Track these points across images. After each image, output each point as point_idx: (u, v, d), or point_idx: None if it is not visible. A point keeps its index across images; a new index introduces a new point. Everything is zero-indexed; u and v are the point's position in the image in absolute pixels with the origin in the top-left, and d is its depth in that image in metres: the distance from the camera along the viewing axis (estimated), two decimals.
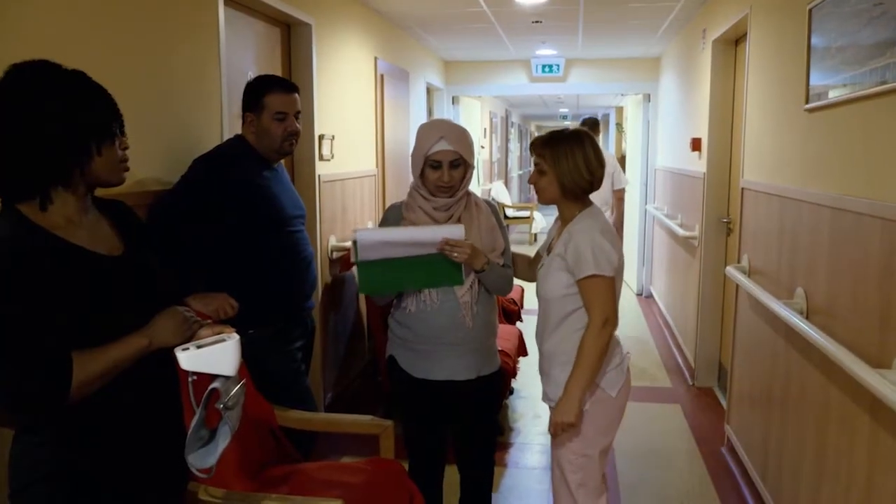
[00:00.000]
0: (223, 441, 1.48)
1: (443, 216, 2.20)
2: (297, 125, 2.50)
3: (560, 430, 2.08)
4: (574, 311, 2.11)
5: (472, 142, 2.21)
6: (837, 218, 2.22)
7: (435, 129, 2.16)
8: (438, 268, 2.10)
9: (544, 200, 2.19)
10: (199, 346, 1.40)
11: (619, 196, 6.30)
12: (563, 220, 2.22)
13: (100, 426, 1.38)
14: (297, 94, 2.53)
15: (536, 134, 24.31)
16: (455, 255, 2.05)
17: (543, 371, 2.23)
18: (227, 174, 2.38)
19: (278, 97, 2.46)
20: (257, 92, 2.49)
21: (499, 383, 2.44)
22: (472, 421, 2.42)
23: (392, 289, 2.22)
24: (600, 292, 2.05)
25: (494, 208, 2.35)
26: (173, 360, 1.40)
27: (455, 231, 2.08)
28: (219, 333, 1.46)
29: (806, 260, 2.52)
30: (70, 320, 1.31)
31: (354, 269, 2.17)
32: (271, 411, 2.41)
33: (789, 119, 2.76)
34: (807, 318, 2.45)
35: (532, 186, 2.25)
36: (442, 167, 2.14)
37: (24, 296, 1.26)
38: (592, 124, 6.08)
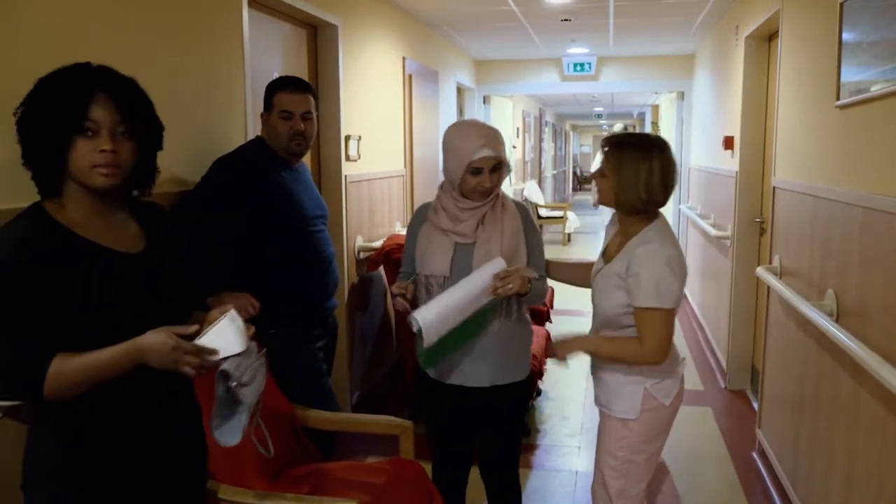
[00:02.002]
0: (244, 417, 1.50)
1: (469, 217, 2.13)
2: (303, 125, 2.50)
3: (555, 350, 2.05)
4: (630, 326, 2.00)
5: (504, 143, 2.17)
6: (869, 217, 2.16)
7: (475, 135, 2.07)
8: (485, 310, 2.06)
9: (605, 203, 2.04)
10: (198, 340, 1.40)
11: None
12: (625, 233, 2.05)
13: (106, 424, 1.40)
14: (308, 95, 2.53)
15: (572, 134, 23.87)
16: (509, 286, 1.96)
17: (596, 374, 2.16)
18: (245, 174, 2.41)
19: (285, 96, 2.48)
20: (270, 91, 2.52)
21: (521, 394, 2.31)
22: (490, 430, 2.34)
23: (451, 349, 2.13)
24: (658, 325, 1.93)
25: (526, 211, 2.23)
26: None
27: (497, 265, 2.00)
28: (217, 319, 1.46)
29: (837, 261, 2.45)
30: (75, 314, 1.34)
31: (414, 330, 1.95)
32: (293, 410, 2.43)
33: (820, 116, 2.69)
34: (837, 320, 2.38)
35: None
36: (483, 172, 2.07)
37: (29, 288, 1.30)
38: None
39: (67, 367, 1.31)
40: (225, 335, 1.42)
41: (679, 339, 5.71)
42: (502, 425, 2.32)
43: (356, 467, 2.34)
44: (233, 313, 1.45)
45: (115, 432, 1.41)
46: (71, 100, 1.34)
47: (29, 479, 1.41)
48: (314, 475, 2.25)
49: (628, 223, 2.04)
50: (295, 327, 2.51)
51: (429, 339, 1.93)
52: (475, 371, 2.17)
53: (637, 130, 13.60)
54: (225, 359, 1.43)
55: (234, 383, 1.44)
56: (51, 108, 1.34)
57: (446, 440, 2.35)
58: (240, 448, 2.13)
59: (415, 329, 1.91)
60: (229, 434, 1.50)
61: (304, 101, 2.51)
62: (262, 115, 2.56)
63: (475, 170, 2.06)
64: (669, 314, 1.98)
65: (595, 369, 2.17)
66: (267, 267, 2.45)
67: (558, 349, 2.04)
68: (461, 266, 2.10)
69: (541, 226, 11.84)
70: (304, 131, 2.50)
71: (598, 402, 2.18)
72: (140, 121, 1.43)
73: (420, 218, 2.24)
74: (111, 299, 1.38)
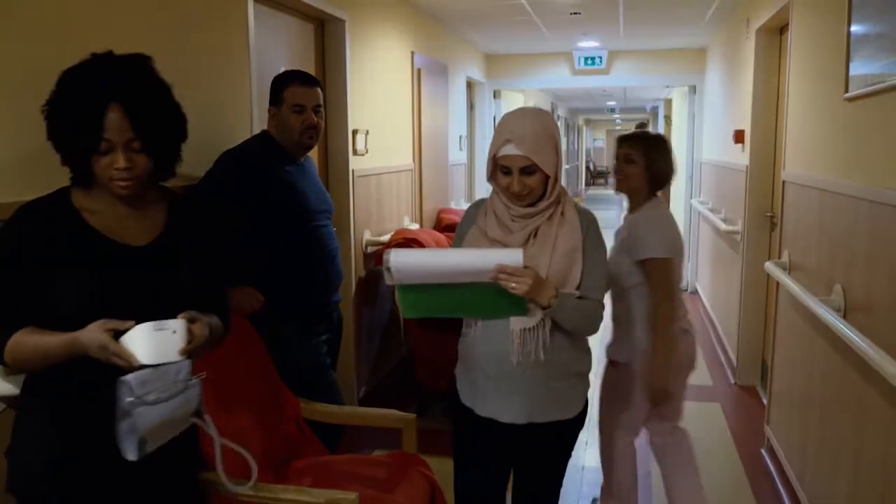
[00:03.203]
0: (133, 439, 1.33)
1: (519, 228, 1.83)
2: (316, 118, 2.51)
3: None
4: (638, 285, 2.45)
5: (555, 141, 1.81)
6: (876, 211, 2.13)
7: (504, 128, 1.80)
8: (497, 296, 1.72)
9: (626, 188, 2.53)
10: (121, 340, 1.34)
11: None
12: (632, 210, 2.57)
13: (89, 399, 1.42)
14: (317, 89, 2.55)
15: (585, 128, 24.21)
16: (512, 286, 1.67)
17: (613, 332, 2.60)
18: (249, 168, 2.41)
19: (297, 90, 2.49)
20: (278, 86, 2.53)
21: (566, 436, 1.99)
22: (526, 471, 2.03)
23: (441, 313, 1.85)
24: (660, 273, 2.39)
25: (591, 222, 1.89)
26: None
27: (511, 257, 1.69)
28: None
29: (844, 255, 2.43)
30: (58, 293, 1.38)
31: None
32: (297, 404, 2.44)
33: (829, 109, 2.66)
34: (844, 315, 2.36)
35: (614, 175, 2.58)
36: (512, 173, 1.78)
37: (21, 259, 1.37)
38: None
39: (22, 343, 1.37)
40: (138, 343, 1.31)
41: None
42: (539, 469, 2.02)
43: (359, 460, 2.35)
44: (165, 324, 1.34)
45: (97, 407, 1.40)
46: (87, 118, 1.36)
47: (12, 445, 1.46)
48: (317, 468, 2.26)
49: (636, 202, 2.54)
50: (298, 321, 2.52)
51: (396, 279, 1.69)
52: (509, 405, 1.87)
53: (650, 125, 13.53)
54: (143, 367, 1.32)
55: (131, 399, 1.30)
56: (70, 124, 1.37)
57: (473, 479, 2.02)
58: (243, 440, 2.14)
59: (385, 265, 1.66)
60: (125, 447, 1.35)
61: (315, 95, 2.53)
62: (269, 109, 2.56)
63: (503, 168, 1.80)
64: (669, 262, 2.41)
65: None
66: (270, 261, 2.46)
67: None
68: None
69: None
70: (316, 124, 2.52)
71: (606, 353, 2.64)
72: (154, 133, 1.43)
73: (470, 219, 1.95)
74: (95, 286, 1.40)
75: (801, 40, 3.17)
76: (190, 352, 1.36)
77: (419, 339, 3.79)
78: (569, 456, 2.05)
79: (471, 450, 1.99)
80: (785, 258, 3.24)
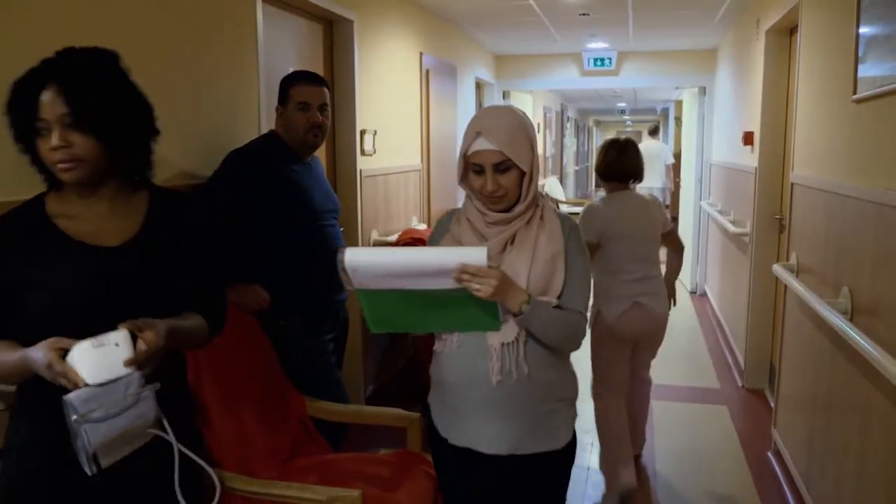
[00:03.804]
0: (83, 456, 1.27)
1: (495, 234, 1.66)
2: (321, 117, 2.53)
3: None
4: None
5: (530, 136, 1.66)
6: (882, 213, 2.12)
7: (474, 122, 1.64)
8: (468, 306, 1.54)
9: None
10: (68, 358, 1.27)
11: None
12: None
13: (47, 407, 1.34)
14: (324, 88, 2.57)
15: (595, 130, 24.68)
16: (476, 287, 1.48)
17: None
18: (255, 167, 2.43)
19: (302, 88, 2.51)
20: (285, 85, 2.55)
21: (556, 469, 1.77)
22: None
23: (409, 328, 1.67)
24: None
25: (573, 228, 1.72)
26: None
27: (474, 255, 1.48)
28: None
29: (851, 257, 2.42)
30: (21, 299, 1.36)
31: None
32: (302, 402, 2.45)
33: (837, 111, 2.65)
34: (851, 318, 2.35)
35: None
36: (485, 172, 1.61)
37: None
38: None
39: None
40: (81, 362, 1.24)
41: (697, 337, 5.67)
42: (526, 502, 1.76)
43: (363, 459, 2.36)
44: (106, 338, 1.26)
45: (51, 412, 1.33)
46: (24, 102, 1.32)
47: (5, 447, 1.44)
48: (321, 466, 2.27)
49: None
50: (303, 320, 2.53)
51: (355, 281, 1.51)
52: (487, 433, 1.67)
53: (660, 127, 13.52)
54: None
55: (75, 417, 1.23)
56: (12, 113, 1.34)
57: None
58: (248, 438, 2.16)
59: (339, 266, 1.49)
60: (81, 462, 1.28)
61: (320, 94, 2.55)
62: (277, 108, 2.58)
63: (475, 167, 1.63)
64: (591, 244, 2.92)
65: None
66: (275, 260, 2.47)
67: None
68: None
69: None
70: (321, 123, 2.53)
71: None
72: (92, 109, 1.32)
73: (442, 229, 1.78)
74: (64, 293, 1.36)
75: (809, 41, 3.16)
76: (138, 362, 1.27)
77: (426, 338, 3.78)
78: (562, 498, 1.81)
79: (452, 486, 1.80)
80: (793, 260, 3.22)
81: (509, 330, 1.62)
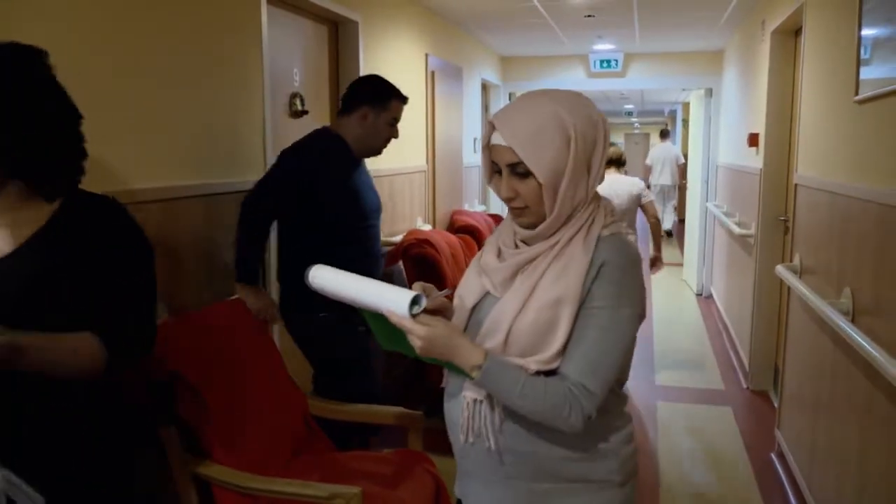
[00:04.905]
0: None
1: (510, 256, 1.31)
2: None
3: None
4: None
5: (567, 135, 1.22)
6: (884, 214, 2.12)
7: (497, 113, 1.30)
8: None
9: None
10: None
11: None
12: None
13: None
14: None
15: None
16: (411, 341, 1.21)
17: None
18: (320, 167, 2.47)
19: (399, 106, 2.61)
20: (385, 93, 2.58)
21: None
22: None
23: (408, 352, 1.27)
24: None
25: (611, 263, 1.24)
26: None
27: (397, 302, 1.20)
28: None
29: (853, 258, 2.42)
30: None
31: None
32: (304, 400, 2.47)
33: (839, 112, 2.65)
34: (853, 319, 2.35)
35: None
36: (503, 172, 1.28)
37: None
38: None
39: None
40: None
41: (703, 339, 5.67)
42: None
43: (365, 457, 2.37)
44: None
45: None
46: None
47: None
48: (323, 464, 2.28)
49: None
50: (336, 314, 2.55)
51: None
52: (475, 493, 1.39)
53: (668, 129, 13.55)
54: None
55: None
56: None
57: None
58: (251, 435, 2.18)
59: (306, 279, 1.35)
60: None
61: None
62: (363, 108, 2.56)
63: (494, 165, 1.31)
64: None
65: None
66: (323, 255, 2.48)
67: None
68: (478, 320, 1.32)
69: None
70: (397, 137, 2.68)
71: None
72: None
73: (497, 230, 1.44)
74: None
75: (813, 43, 3.16)
76: None
77: None
78: None
79: None
80: (796, 261, 3.22)
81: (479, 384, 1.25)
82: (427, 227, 4.72)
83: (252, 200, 2.44)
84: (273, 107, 2.94)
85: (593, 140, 1.25)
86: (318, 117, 3.51)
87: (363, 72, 3.75)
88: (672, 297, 7.26)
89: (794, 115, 3.98)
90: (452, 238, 4.42)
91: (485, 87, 7.07)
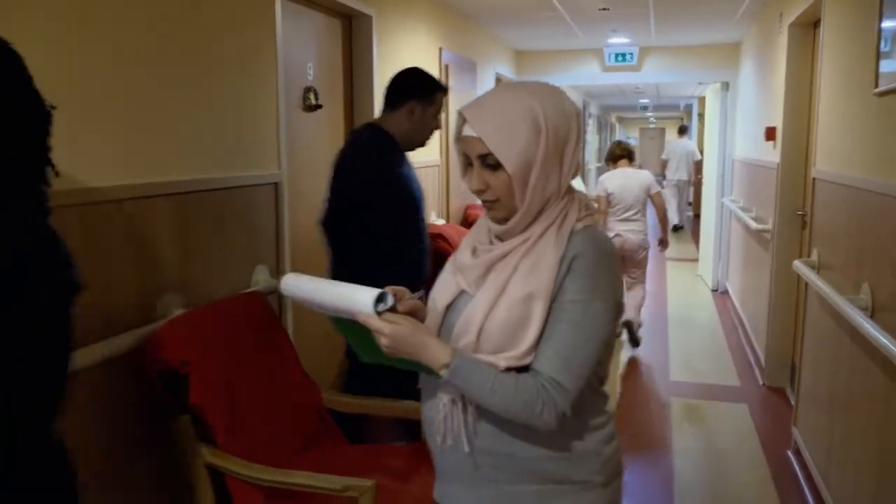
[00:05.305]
0: None
1: (483, 253, 1.29)
2: None
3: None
4: None
5: (538, 126, 1.20)
6: None
7: (467, 104, 1.29)
8: None
9: None
10: None
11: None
12: None
13: None
14: None
15: (618, 126, 24.97)
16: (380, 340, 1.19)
17: None
18: (384, 165, 2.48)
19: (443, 97, 2.63)
20: (431, 86, 2.59)
21: None
22: None
23: (391, 362, 1.24)
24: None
25: (583, 255, 1.21)
26: None
27: (360, 300, 1.19)
28: None
29: (873, 254, 2.38)
30: None
31: None
32: (318, 393, 2.47)
33: (858, 104, 2.62)
34: (872, 315, 2.32)
35: None
36: (473, 164, 1.26)
37: None
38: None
39: None
40: None
41: (718, 334, 5.63)
42: None
43: (378, 450, 2.37)
44: None
45: None
46: None
47: None
48: (336, 456, 2.29)
49: None
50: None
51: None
52: (452, 493, 1.34)
53: (686, 125, 13.48)
54: None
55: None
56: None
57: None
58: (265, 428, 2.19)
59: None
60: None
61: None
62: (411, 103, 2.55)
63: (465, 158, 1.28)
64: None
65: None
66: (386, 252, 2.48)
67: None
68: (452, 321, 1.28)
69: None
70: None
71: None
72: None
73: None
74: None
75: (832, 35, 3.12)
76: None
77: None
78: None
79: None
80: (814, 257, 3.18)
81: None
82: (441, 222, 4.71)
83: (332, 203, 2.50)
84: (287, 101, 2.94)
85: (566, 132, 1.23)
86: (332, 111, 3.51)
87: (377, 66, 3.74)
88: (687, 292, 7.22)
89: (812, 108, 3.93)
90: (466, 232, 4.41)
91: (499, 82, 7.04)
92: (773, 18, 4.70)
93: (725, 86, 7.02)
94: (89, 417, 1.89)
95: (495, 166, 1.22)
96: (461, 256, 1.32)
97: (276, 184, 2.80)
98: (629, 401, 4.22)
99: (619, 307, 1.25)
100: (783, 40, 4.25)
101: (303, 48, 3.23)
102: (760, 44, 5.42)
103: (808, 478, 3.10)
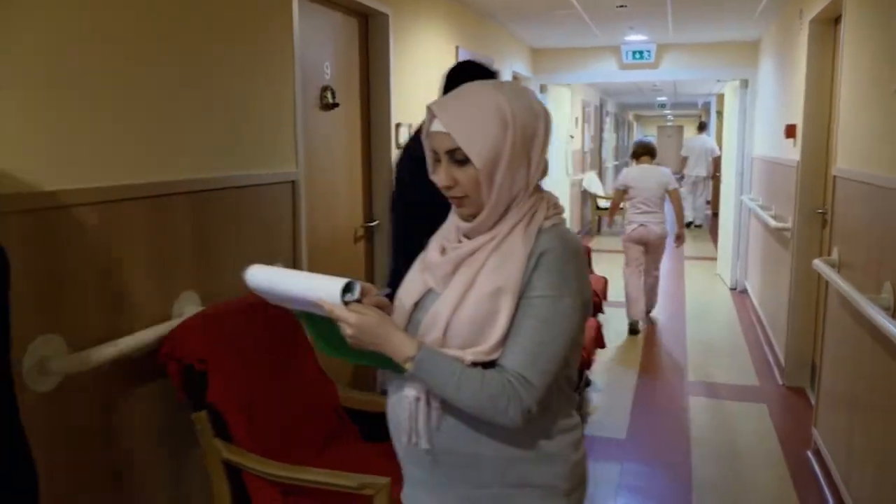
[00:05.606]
0: None
1: (451, 250, 1.28)
2: None
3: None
4: None
5: (506, 122, 1.21)
6: None
7: (436, 100, 1.29)
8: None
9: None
10: None
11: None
12: None
13: None
14: None
15: (635, 124, 24.94)
16: (343, 329, 1.18)
17: None
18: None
19: None
20: (494, 77, 2.55)
21: None
22: None
23: (355, 359, 1.25)
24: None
25: (551, 252, 1.21)
26: None
27: (327, 289, 1.17)
28: None
29: (894, 252, 2.35)
30: None
31: None
32: (335, 391, 2.48)
33: (880, 102, 2.58)
34: (893, 315, 2.29)
35: None
36: (440, 160, 1.26)
37: None
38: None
39: None
40: None
41: (736, 334, 5.58)
42: None
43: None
44: None
45: None
46: None
47: None
48: (353, 454, 2.30)
49: None
50: None
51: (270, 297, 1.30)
52: (418, 498, 1.35)
53: (705, 121, 13.37)
54: None
55: None
56: None
57: None
58: (282, 425, 2.20)
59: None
60: None
61: None
62: None
63: (433, 154, 1.28)
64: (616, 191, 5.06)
65: None
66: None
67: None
68: (418, 319, 1.27)
69: (599, 218, 11.66)
70: None
71: None
72: None
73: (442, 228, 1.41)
74: None
75: (853, 31, 3.08)
76: None
77: None
78: None
79: None
80: (835, 255, 3.15)
81: (419, 382, 1.22)
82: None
83: (397, 208, 2.56)
84: (304, 100, 2.95)
85: (533, 130, 1.23)
86: (349, 110, 3.53)
87: (393, 64, 3.75)
88: (705, 291, 7.16)
89: (832, 105, 3.89)
90: None
91: (515, 80, 7.02)
92: (793, 15, 4.65)
93: (744, 83, 6.96)
94: (108, 415, 1.91)
95: (463, 161, 1.22)
96: (429, 255, 1.32)
97: (293, 182, 2.81)
98: (647, 399, 4.19)
99: (586, 306, 1.25)
100: (803, 37, 4.20)
101: (320, 47, 3.24)
102: (780, 41, 5.36)
103: (829, 479, 3.07)
